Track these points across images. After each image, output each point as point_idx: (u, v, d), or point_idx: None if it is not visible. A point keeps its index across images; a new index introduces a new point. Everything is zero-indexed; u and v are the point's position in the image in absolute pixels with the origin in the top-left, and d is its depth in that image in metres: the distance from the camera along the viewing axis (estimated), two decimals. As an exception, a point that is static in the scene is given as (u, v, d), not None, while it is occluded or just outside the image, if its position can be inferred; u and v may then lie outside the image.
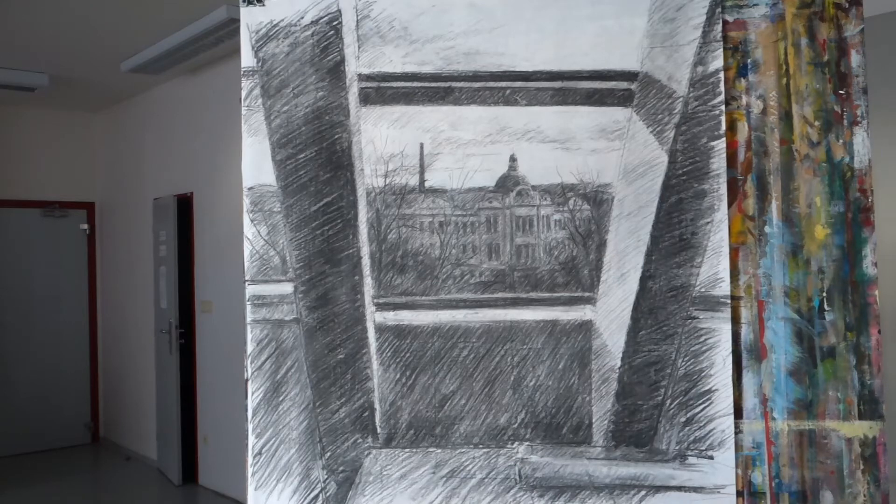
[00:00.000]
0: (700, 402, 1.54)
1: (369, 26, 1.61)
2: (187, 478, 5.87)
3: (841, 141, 1.56)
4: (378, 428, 1.59)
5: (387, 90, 1.61)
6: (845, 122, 1.56)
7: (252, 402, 1.61)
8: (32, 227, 7.08)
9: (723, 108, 1.56)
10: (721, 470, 1.53)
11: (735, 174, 1.58)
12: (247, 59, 1.64)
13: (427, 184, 1.60)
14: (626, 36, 1.58)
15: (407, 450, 1.58)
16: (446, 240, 1.60)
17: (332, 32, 1.62)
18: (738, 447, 1.54)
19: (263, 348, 1.61)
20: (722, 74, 1.56)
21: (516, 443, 1.57)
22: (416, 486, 1.57)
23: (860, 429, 1.53)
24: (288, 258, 1.61)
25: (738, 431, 1.54)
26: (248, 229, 1.63)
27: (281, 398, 1.61)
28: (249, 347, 1.62)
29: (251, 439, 1.61)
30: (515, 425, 1.58)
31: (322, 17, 1.62)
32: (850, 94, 1.56)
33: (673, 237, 1.56)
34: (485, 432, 1.58)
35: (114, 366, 7.23)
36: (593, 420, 1.57)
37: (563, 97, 1.59)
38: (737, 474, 1.53)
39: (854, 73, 1.57)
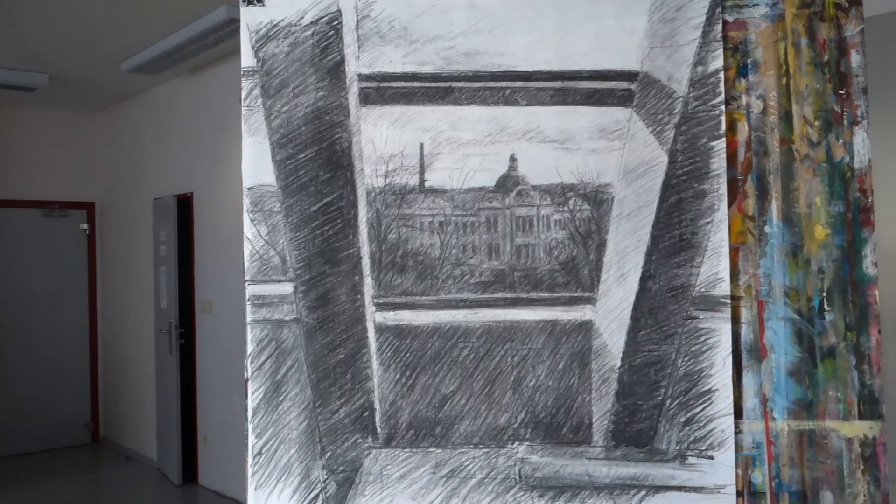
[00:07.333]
0: (700, 402, 1.54)
1: (369, 26, 1.61)
2: (187, 478, 5.87)
3: (841, 141, 1.56)
4: (378, 428, 1.59)
5: (387, 90, 1.61)
6: (845, 122, 1.56)
7: (252, 402, 1.61)
8: (32, 227, 7.07)
9: (723, 108, 1.56)
10: (721, 470, 1.53)
11: (735, 174, 1.58)
12: (247, 59, 1.64)
13: (427, 184, 1.60)
14: (626, 36, 1.58)
15: (407, 450, 1.58)
16: (446, 240, 1.60)
17: (332, 32, 1.62)
18: (738, 447, 1.54)
19: (263, 348, 1.61)
20: (722, 74, 1.56)
21: (516, 443, 1.57)
22: (416, 486, 1.57)
23: (860, 429, 1.53)
24: (288, 258, 1.61)
25: (738, 431, 1.54)
26: (248, 229, 1.63)
27: (281, 398, 1.61)
28: (249, 347, 1.62)
29: (251, 439, 1.60)
30: (515, 425, 1.57)
31: (322, 17, 1.62)
32: (850, 94, 1.56)
33: (673, 237, 1.56)
34: (485, 432, 1.58)
35: (114, 366, 7.23)
36: (593, 420, 1.57)
37: (563, 97, 1.59)
38: (737, 474, 1.53)
39: (854, 73, 1.57)
